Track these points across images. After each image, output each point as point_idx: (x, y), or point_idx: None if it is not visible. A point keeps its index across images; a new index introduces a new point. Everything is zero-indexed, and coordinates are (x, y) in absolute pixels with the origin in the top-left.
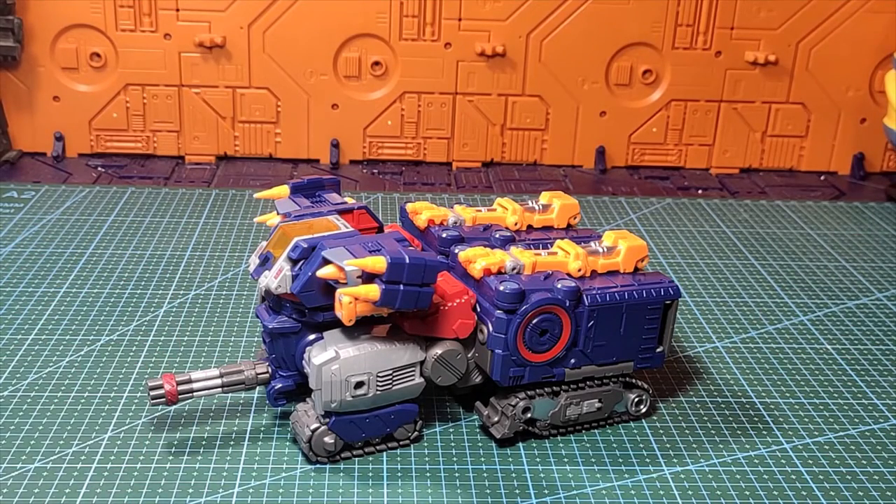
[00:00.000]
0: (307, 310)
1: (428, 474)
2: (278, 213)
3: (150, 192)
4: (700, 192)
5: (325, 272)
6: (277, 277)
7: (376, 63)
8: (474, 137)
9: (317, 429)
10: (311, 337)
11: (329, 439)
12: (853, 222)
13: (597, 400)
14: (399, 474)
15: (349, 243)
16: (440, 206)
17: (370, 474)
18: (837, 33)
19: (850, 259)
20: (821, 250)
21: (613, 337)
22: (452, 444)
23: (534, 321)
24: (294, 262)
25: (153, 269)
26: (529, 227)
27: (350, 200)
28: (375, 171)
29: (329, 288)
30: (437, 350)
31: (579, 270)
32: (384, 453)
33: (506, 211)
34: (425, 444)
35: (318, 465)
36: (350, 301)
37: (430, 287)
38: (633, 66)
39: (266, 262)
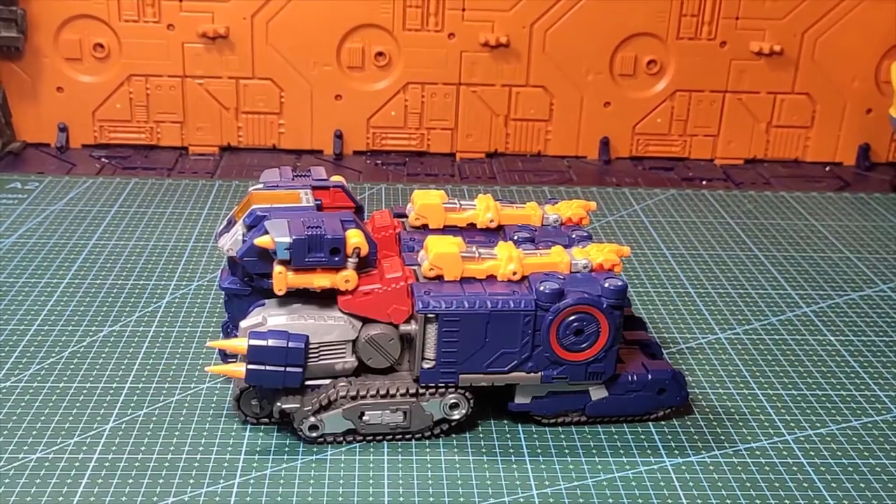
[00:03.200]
0: (254, 275)
1: (428, 465)
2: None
3: (153, 182)
4: (704, 182)
5: (261, 241)
6: (231, 241)
7: (380, 53)
8: (478, 128)
9: (245, 389)
10: (261, 301)
11: (256, 402)
12: (858, 213)
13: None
14: (399, 465)
15: (295, 217)
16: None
17: (371, 465)
18: (843, 23)
19: (854, 250)
20: (825, 241)
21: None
22: (452, 434)
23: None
24: (248, 228)
25: (156, 260)
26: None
27: (337, 179)
28: (379, 161)
29: (270, 257)
30: (370, 332)
31: (514, 273)
32: (385, 444)
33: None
34: (425, 436)
35: (318, 457)
36: (280, 271)
37: (297, 367)
38: (638, 56)
39: (229, 224)
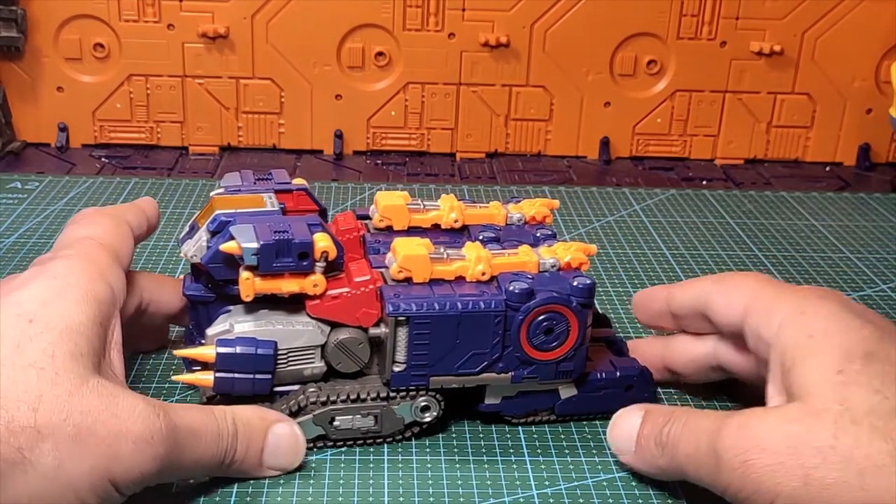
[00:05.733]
0: (219, 281)
1: (428, 465)
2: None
3: (153, 182)
4: (704, 182)
5: (228, 247)
6: (194, 247)
7: (380, 53)
8: (478, 128)
9: (212, 397)
10: (227, 308)
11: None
12: (858, 213)
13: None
14: (399, 465)
15: (260, 221)
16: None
17: (371, 465)
18: (843, 23)
19: (854, 250)
20: (826, 242)
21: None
22: (453, 434)
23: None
24: (212, 234)
25: (156, 260)
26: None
27: (299, 181)
28: (379, 161)
29: (236, 263)
30: (339, 336)
31: (483, 274)
32: (385, 445)
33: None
34: (425, 437)
35: (318, 457)
36: (247, 277)
37: (266, 374)
38: (638, 56)
39: (192, 231)
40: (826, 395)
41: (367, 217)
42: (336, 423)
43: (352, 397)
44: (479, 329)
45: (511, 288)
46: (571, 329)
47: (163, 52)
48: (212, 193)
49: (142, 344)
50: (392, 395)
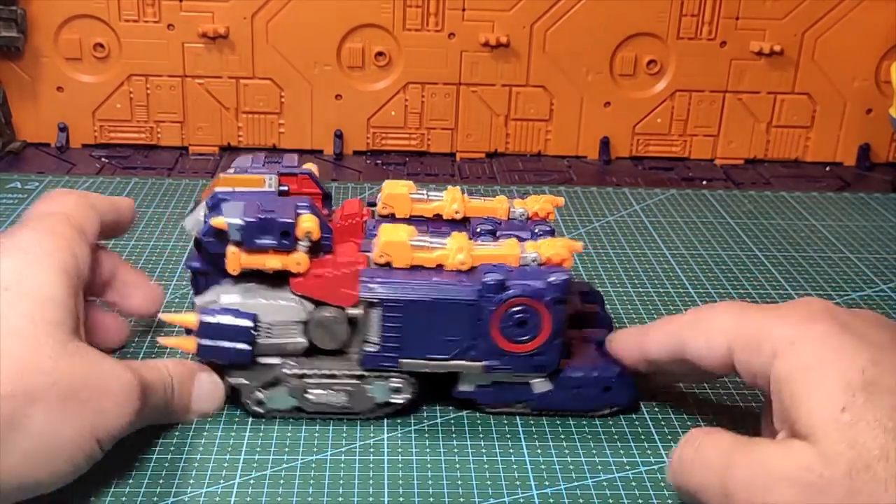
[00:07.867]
0: (212, 254)
1: (428, 465)
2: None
3: (153, 182)
4: (704, 182)
5: (216, 222)
6: (193, 221)
7: (380, 53)
8: (478, 128)
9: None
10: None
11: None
12: (858, 213)
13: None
14: (399, 465)
15: (252, 200)
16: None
17: (371, 465)
18: (843, 23)
19: (854, 250)
20: (825, 241)
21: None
22: (453, 434)
23: None
24: (210, 209)
25: (156, 260)
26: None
27: (310, 167)
28: (379, 161)
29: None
30: (319, 314)
31: (462, 263)
32: (385, 443)
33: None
34: (426, 435)
35: (318, 457)
36: (233, 252)
37: (246, 344)
38: (638, 56)
39: (195, 206)
40: (834, 436)
41: (375, 205)
42: (310, 397)
43: (326, 373)
44: (452, 316)
45: (485, 279)
46: (543, 323)
47: (163, 52)
48: (222, 174)
49: (103, 339)
50: (366, 374)
